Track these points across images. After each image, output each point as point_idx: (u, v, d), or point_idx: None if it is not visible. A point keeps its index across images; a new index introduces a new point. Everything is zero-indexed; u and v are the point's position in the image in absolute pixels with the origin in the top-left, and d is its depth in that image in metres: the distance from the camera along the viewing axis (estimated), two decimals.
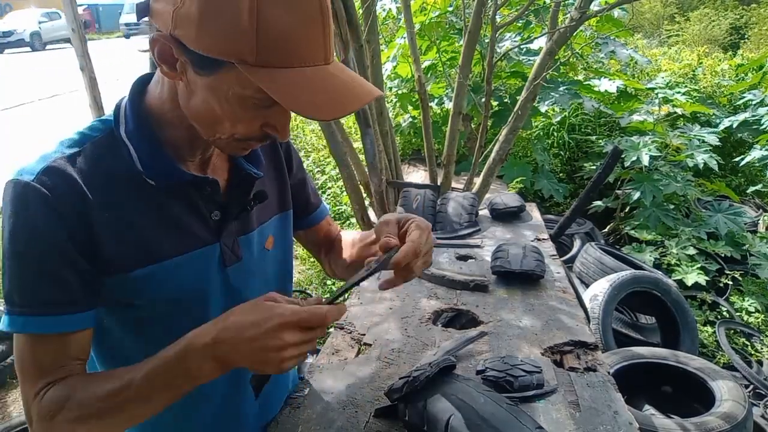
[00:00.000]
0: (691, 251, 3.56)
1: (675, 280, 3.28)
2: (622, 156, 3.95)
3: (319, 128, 4.24)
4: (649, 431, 1.90)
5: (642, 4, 15.92)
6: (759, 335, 3.09)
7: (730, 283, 3.49)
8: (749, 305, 3.32)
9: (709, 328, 3.12)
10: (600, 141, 4.83)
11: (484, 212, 2.30)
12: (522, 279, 1.58)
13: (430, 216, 2.13)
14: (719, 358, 2.87)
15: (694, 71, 6.23)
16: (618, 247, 3.93)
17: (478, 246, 1.90)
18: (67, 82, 10.03)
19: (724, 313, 3.28)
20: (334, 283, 3.74)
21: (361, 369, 1.16)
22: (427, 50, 4.94)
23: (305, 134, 6.14)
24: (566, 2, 3.34)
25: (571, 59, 4.63)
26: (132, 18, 22.46)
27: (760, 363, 2.87)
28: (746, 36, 15.74)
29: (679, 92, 4.91)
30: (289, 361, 0.66)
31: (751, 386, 2.56)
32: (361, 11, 2.91)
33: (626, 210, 4.30)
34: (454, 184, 3.23)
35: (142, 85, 0.78)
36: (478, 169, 3.24)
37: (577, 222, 3.99)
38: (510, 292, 1.54)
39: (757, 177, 4.91)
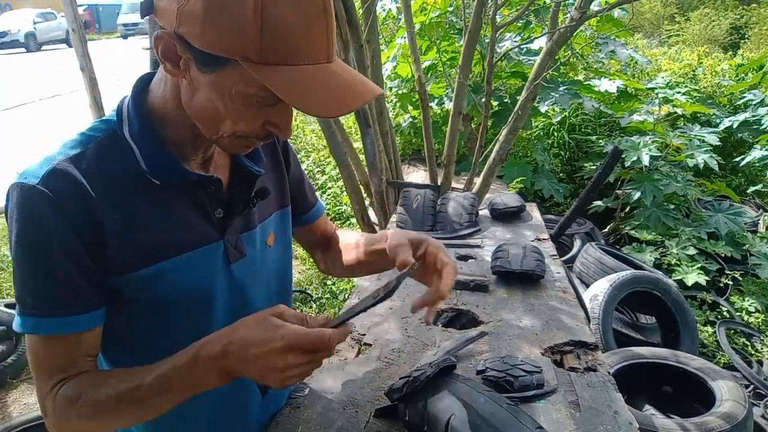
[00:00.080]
0: (692, 251, 3.56)
1: (675, 280, 3.28)
2: (622, 156, 3.95)
3: (320, 128, 4.24)
4: (649, 431, 1.90)
5: (642, 4, 15.91)
6: (759, 335, 3.09)
7: (731, 283, 3.49)
8: (749, 305, 3.32)
9: (709, 328, 3.13)
10: (600, 141, 4.83)
11: (484, 212, 2.29)
12: (522, 279, 1.58)
13: (430, 216, 2.12)
14: (719, 358, 2.87)
15: (694, 71, 6.22)
16: (618, 247, 3.93)
17: (478, 246, 1.90)
18: (68, 82, 10.05)
19: (725, 313, 3.28)
20: (333, 283, 3.73)
21: (361, 369, 1.16)
22: (427, 50, 4.94)
23: (305, 134, 6.14)
24: (566, 2, 3.34)
25: (571, 59, 4.63)
26: (130, 18, 22.17)
27: (760, 363, 2.87)
28: (746, 36, 15.72)
29: (679, 92, 4.91)
30: (291, 380, 0.68)
31: (752, 386, 2.56)
32: (361, 11, 2.92)
33: (626, 210, 4.30)
34: (454, 184, 3.23)
35: (143, 84, 0.78)
36: (478, 169, 3.24)
37: (577, 222, 3.99)
38: (510, 292, 1.54)
39: (758, 177, 4.91)
